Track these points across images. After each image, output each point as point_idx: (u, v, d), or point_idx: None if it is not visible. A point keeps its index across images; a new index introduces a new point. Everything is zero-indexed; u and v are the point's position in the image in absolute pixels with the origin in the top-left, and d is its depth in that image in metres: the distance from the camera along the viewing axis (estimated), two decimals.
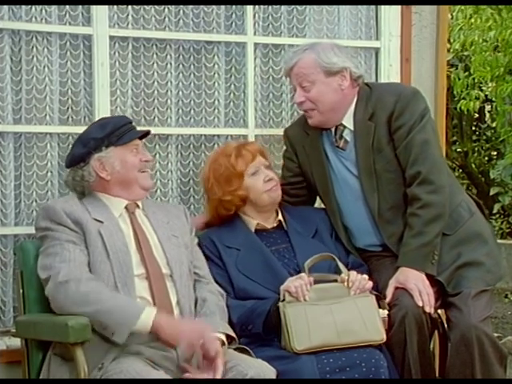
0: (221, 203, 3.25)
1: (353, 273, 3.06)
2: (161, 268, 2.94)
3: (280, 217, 3.30)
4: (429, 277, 3.11)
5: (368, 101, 3.26)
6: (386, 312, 3.11)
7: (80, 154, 3.01)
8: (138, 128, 3.15)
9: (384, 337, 2.97)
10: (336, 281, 3.04)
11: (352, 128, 3.28)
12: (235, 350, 2.89)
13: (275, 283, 3.04)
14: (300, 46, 3.35)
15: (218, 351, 2.75)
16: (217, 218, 3.30)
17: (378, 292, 3.13)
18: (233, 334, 2.92)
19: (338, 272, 3.07)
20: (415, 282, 3.05)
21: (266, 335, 3.00)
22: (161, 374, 2.68)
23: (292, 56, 3.29)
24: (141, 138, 3.10)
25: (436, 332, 3.27)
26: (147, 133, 3.13)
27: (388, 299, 3.07)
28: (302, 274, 3.00)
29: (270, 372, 2.76)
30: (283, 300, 2.97)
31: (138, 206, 3.06)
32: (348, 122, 3.29)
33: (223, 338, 2.86)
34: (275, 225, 3.29)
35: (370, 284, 3.05)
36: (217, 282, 3.13)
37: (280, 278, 3.04)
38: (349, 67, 3.25)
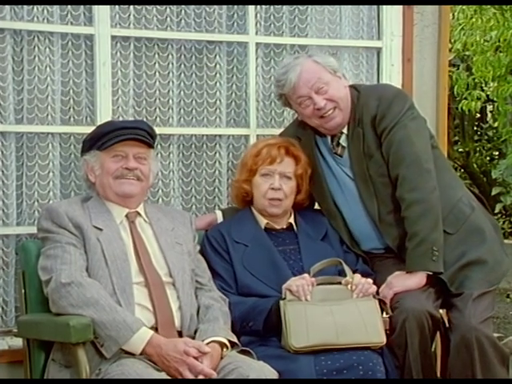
0: (233, 185, 3.38)
1: (357, 276, 3.06)
2: (160, 276, 2.94)
3: (291, 219, 3.31)
4: (431, 275, 3.10)
5: (357, 106, 3.26)
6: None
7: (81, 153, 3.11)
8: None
9: (384, 340, 2.96)
10: (340, 283, 3.04)
11: (347, 133, 3.28)
12: (237, 352, 2.89)
13: (278, 282, 3.05)
14: (281, 69, 3.29)
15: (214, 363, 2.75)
16: (234, 199, 3.39)
17: None
18: (235, 340, 2.92)
19: (344, 275, 3.07)
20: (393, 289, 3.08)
21: (266, 333, 3.01)
22: (162, 375, 2.67)
23: (287, 73, 3.22)
24: (147, 145, 3.06)
25: (438, 332, 3.26)
26: (139, 139, 3.02)
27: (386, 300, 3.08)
28: (305, 275, 3.01)
29: (271, 374, 2.76)
30: (284, 298, 2.98)
31: (139, 214, 3.06)
32: (345, 127, 3.29)
33: (225, 341, 2.86)
34: (285, 226, 3.30)
35: (374, 288, 3.05)
36: (220, 276, 3.15)
37: (283, 278, 3.05)
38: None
